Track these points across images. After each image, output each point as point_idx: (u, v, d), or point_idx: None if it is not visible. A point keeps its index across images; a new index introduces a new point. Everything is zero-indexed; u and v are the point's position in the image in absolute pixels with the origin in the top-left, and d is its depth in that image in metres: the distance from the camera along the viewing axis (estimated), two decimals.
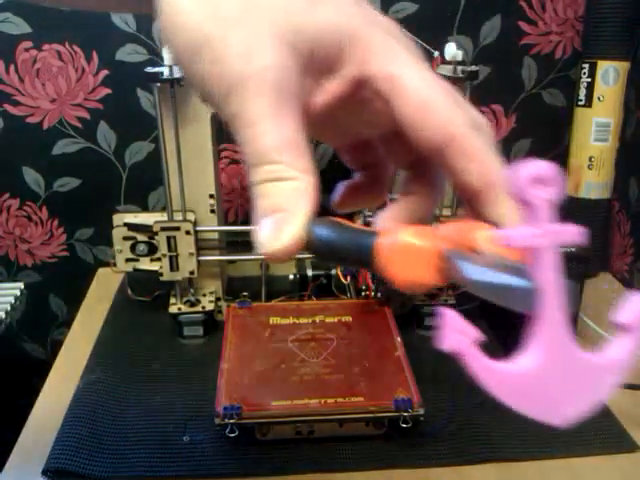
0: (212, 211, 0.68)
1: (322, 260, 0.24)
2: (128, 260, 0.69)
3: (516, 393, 0.19)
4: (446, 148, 0.24)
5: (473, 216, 0.25)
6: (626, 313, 0.20)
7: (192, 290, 0.70)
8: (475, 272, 0.20)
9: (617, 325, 0.20)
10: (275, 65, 0.23)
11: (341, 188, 0.30)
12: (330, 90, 0.25)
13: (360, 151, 0.30)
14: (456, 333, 0.19)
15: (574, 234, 0.18)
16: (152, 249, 0.68)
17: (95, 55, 0.81)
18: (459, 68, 0.63)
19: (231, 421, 0.51)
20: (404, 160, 0.28)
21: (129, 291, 0.77)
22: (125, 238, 0.68)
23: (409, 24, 0.70)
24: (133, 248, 0.68)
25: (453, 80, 0.63)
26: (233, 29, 0.23)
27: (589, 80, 0.81)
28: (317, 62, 0.24)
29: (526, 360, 0.19)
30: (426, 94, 0.24)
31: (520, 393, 0.19)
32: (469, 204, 0.25)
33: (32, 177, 0.86)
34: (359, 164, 0.30)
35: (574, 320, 0.66)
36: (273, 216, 0.23)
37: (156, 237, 0.66)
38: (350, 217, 0.69)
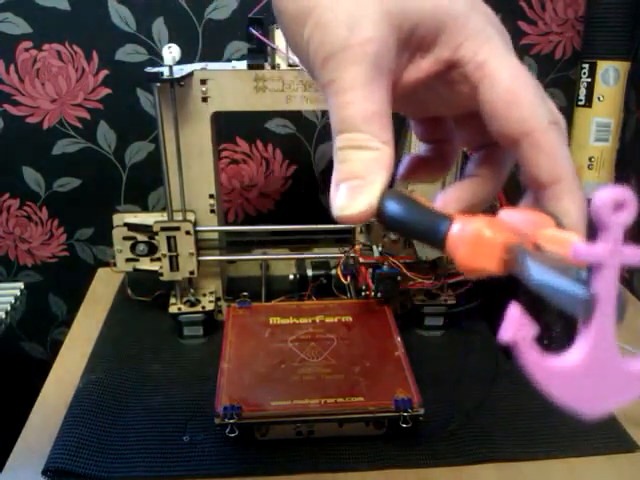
0: (212, 211, 0.68)
1: (391, 230, 0.25)
2: (128, 260, 0.69)
3: (558, 385, 0.22)
4: (522, 140, 0.25)
5: (536, 208, 0.26)
6: None
7: (192, 290, 0.70)
8: (538, 272, 0.22)
9: None
10: (376, 39, 0.24)
11: (407, 160, 0.31)
12: (422, 68, 0.26)
13: (433, 125, 0.31)
14: (515, 326, 0.21)
15: (638, 257, 0.21)
16: (152, 249, 0.68)
17: (95, 55, 0.81)
18: None
19: (231, 421, 0.51)
20: (474, 142, 0.29)
21: (129, 291, 0.77)
22: (125, 238, 0.68)
23: None
24: (133, 248, 0.68)
25: None
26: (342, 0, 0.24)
27: (589, 80, 0.81)
28: (415, 40, 0.25)
29: (572, 356, 0.22)
30: (514, 87, 0.25)
31: (561, 385, 0.22)
32: (535, 196, 0.26)
33: (32, 177, 0.86)
34: (429, 138, 0.31)
35: (574, 319, 0.66)
36: (350, 182, 0.24)
37: (156, 237, 0.66)
38: None
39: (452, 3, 0.25)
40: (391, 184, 0.25)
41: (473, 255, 0.23)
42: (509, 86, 0.25)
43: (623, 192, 0.19)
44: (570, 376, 0.21)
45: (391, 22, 0.24)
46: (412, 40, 0.25)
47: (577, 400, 0.22)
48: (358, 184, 0.24)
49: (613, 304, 0.20)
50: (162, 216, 0.67)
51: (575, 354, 0.21)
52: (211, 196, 0.67)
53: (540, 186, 0.25)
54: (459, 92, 0.26)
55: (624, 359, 0.22)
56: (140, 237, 0.68)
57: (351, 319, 0.65)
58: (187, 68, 0.63)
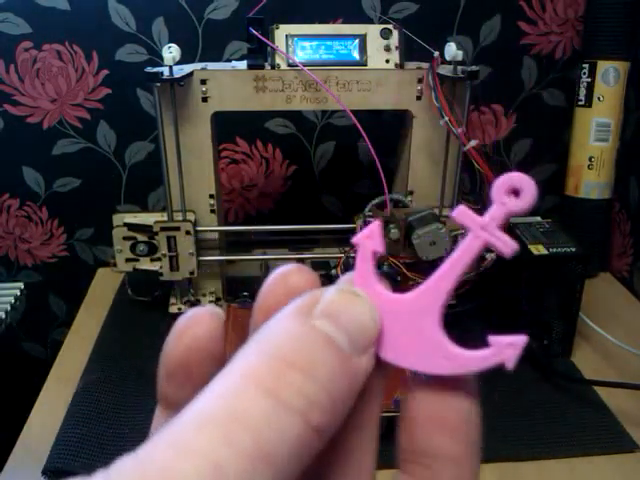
0: (212, 211, 0.68)
1: None
2: (128, 260, 0.69)
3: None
4: None
5: None
6: None
7: (192, 290, 0.70)
8: None
9: None
10: None
11: None
12: None
13: None
14: (368, 234, 0.20)
15: (505, 245, 0.18)
16: (152, 249, 0.68)
17: (95, 55, 0.81)
18: (459, 68, 0.63)
19: None
20: None
21: (129, 291, 0.77)
22: (125, 238, 0.68)
23: (409, 24, 0.70)
24: (133, 248, 0.68)
25: (453, 80, 0.63)
26: None
27: (589, 80, 0.81)
28: None
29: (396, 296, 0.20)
30: None
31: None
32: None
33: (32, 177, 0.86)
34: None
35: (574, 319, 0.66)
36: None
37: (156, 237, 0.66)
38: (351, 216, 0.69)
39: None
40: None
41: None
42: None
43: (522, 180, 0.18)
44: (390, 308, 0.20)
45: None
46: None
47: (386, 343, 0.19)
48: None
49: (464, 266, 0.19)
50: (162, 216, 0.67)
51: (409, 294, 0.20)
52: (211, 196, 0.67)
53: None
54: None
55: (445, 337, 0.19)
56: (140, 237, 0.68)
57: None
58: (187, 68, 0.63)
